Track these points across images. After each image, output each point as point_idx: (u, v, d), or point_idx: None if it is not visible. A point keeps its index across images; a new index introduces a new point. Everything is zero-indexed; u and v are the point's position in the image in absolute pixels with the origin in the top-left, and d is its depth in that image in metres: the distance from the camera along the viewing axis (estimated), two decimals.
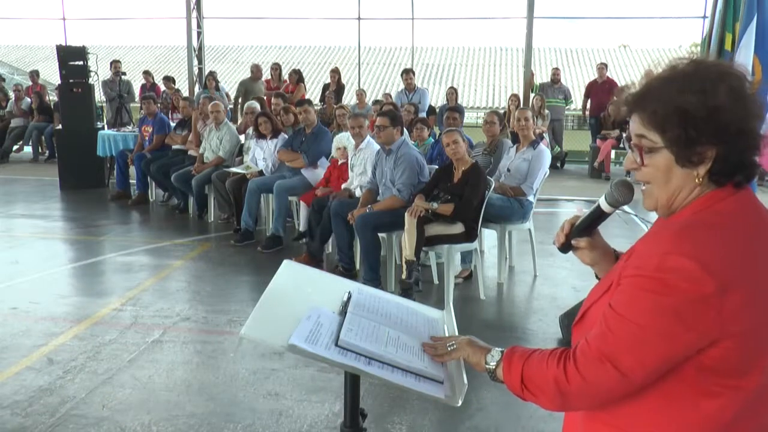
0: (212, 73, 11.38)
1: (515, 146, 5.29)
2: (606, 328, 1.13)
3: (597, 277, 1.43)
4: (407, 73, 10.06)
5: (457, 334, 1.56)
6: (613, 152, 10.47)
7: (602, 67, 11.49)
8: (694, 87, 1.12)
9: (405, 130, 5.40)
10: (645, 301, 1.09)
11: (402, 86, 10.38)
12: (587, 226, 1.41)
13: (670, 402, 1.13)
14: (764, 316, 1.10)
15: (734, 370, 1.10)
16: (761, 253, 1.12)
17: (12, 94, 12.99)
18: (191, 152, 7.72)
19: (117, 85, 10.98)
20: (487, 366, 1.32)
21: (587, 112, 11.51)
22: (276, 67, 11.22)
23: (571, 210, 8.02)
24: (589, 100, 11.41)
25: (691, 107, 1.12)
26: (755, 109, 1.14)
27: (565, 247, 1.45)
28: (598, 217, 1.38)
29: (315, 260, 5.27)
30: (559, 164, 11.07)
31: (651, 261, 1.09)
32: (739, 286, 1.06)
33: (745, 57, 3.48)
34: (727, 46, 3.59)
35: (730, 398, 1.11)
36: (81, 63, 9.10)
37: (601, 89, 11.03)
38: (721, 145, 1.12)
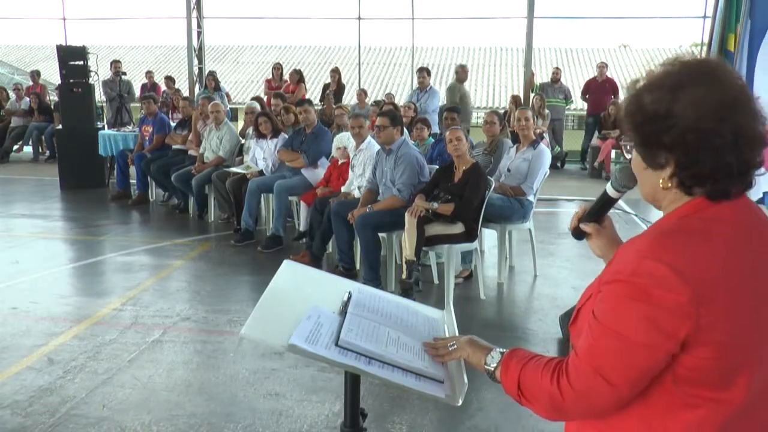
0: (212, 73, 11.40)
1: (515, 146, 5.29)
2: (592, 339, 1.12)
3: None
4: (421, 72, 9.91)
5: (457, 334, 1.56)
6: (613, 152, 10.48)
7: (603, 66, 11.55)
8: (659, 85, 1.10)
9: (405, 130, 5.40)
10: (623, 309, 1.07)
11: (410, 84, 10.29)
12: (596, 212, 1.45)
13: (652, 411, 1.12)
14: (745, 329, 1.07)
15: (711, 382, 1.08)
16: (749, 263, 1.08)
17: (12, 94, 13.00)
18: (191, 152, 7.72)
19: (117, 85, 10.99)
20: (486, 367, 1.32)
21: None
22: (278, 67, 11.22)
23: (571, 210, 8.02)
24: (587, 97, 11.43)
25: (648, 106, 1.10)
26: (726, 126, 1.05)
27: (577, 233, 1.49)
28: (605, 202, 1.42)
29: (316, 260, 5.27)
30: (559, 164, 11.07)
31: (628, 266, 1.07)
32: (719, 296, 1.04)
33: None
34: (729, 47, 3.58)
35: (711, 411, 1.09)
36: (81, 63, 9.10)
37: (600, 88, 11.09)
38: (676, 154, 1.09)
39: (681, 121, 1.07)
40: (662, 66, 1.15)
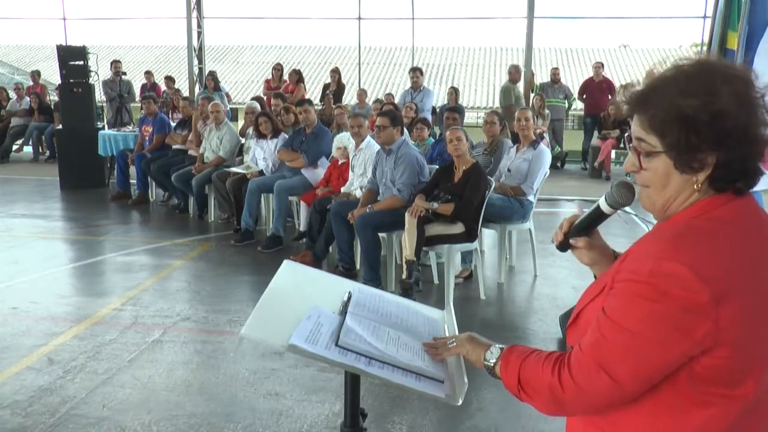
0: (212, 73, 11.40)
1: (515, 146, 5.29)
2: (600, 335, 1.11)
3: (595, 277, 1.41)
4: (414, 72, 9.98)
5: (457, 334, 1.56)
6: (613, 152, 10.47)
7: (599, 66, 11.62)
8: (697, 90, 1.08)
9: (405, 129, 5.40)
10: (638, 308, 1.07)
11: (409, 84, 10.32)
12: (586, 226, 1.40)
13: (662, 410, 1.11)
14: (758, 327, 1.08)
15: (726, 380, 1.08)
16: (757, 262, 1.09)
17: (13, 94, 13.00)
18: (191, 152, 7.73)
19: (117, 85, 10.99)
20: (485, 363, 1.31)
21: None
22: (278, 68, 11.22)
23: (572, 210, 8.02)
24: (584, 97, 11.46)
25: (693, 112, 1.08)
26: (760, 114, 1.10)
27: (563, 246, 1.44)
28: (597, 217, 1.37)
29: (318, 261, 5.27)
30: (559, 164, 11.06)
31: (645, 266, 1.07)
32: (734, 296, 1.04)
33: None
34: (731, 45, 3.56)
35: (723, 408, 1.09)
36: (81, 63, 9.10)
37: (597, 88, 11.14)
38: (722, 152, 1.09)
39: (730, 120, 1.07)
40: (675, 70, 1.13)
